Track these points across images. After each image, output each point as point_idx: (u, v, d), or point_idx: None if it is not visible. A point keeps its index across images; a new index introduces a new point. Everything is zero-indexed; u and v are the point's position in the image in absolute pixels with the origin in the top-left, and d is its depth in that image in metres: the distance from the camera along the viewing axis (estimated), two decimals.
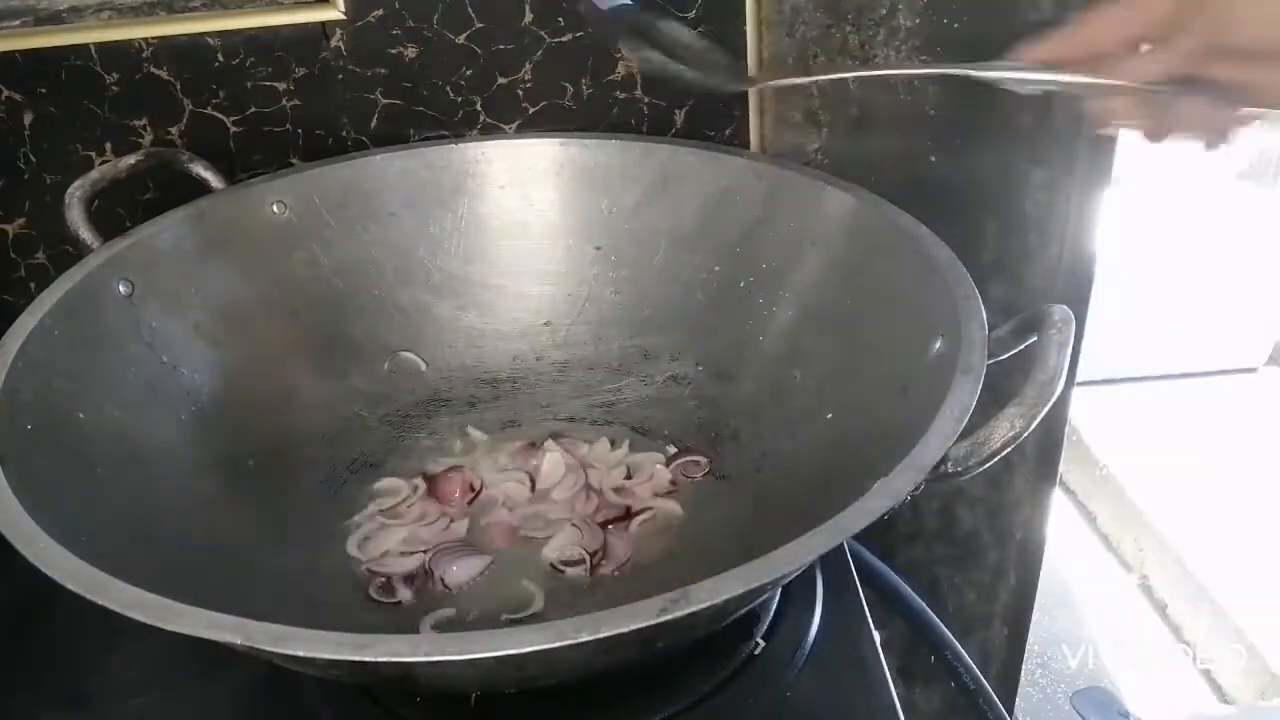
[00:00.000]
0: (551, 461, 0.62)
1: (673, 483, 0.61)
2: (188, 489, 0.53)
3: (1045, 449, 0.86)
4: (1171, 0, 0.42)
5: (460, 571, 0.55)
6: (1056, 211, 0.75)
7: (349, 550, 0.58)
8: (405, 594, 0.55)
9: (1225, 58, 0.42)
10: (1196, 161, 1.91)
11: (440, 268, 0.68)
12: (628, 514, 0.59)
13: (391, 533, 0.59)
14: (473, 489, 0.61)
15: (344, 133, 0.69)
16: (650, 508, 0.59)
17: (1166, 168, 1.89)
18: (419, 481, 0.62)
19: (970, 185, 0.73)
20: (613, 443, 0.64)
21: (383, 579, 0.55)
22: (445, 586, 0.55)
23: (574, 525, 0.58)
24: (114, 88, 0.66)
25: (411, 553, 0.57)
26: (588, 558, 0.56)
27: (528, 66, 0.68)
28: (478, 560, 0.56)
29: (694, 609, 0.33)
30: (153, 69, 0.66)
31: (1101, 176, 0.73)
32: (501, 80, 0.69)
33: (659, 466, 0.62)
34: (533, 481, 0.61)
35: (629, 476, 0.61)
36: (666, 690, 0.49)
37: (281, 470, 0.59)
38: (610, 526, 0.58)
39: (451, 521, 0.60)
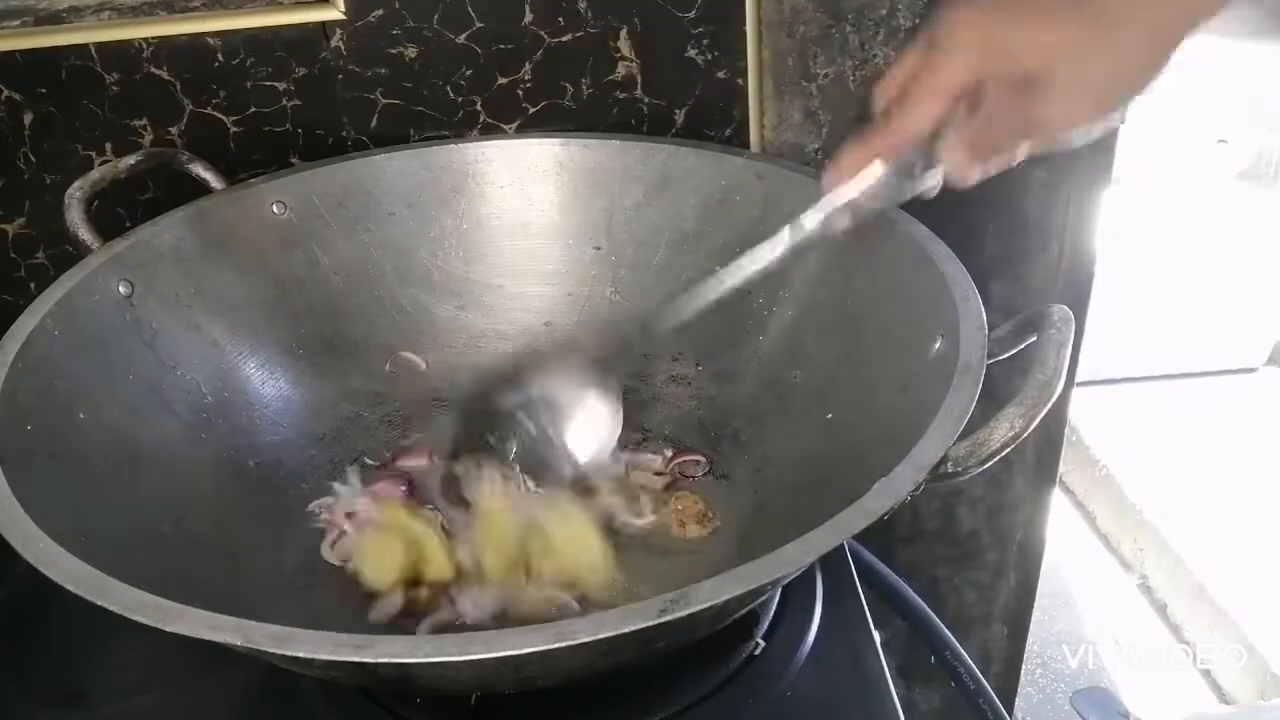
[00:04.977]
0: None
1: (667, 488, 0.60)
2: (188, 489, 0.53)
3: (1045, 449, 0.86)
4: (976, 59, 0.42)
5: (474, 610, 0.52)
6: (1056, 211, 0.75)
7: (324, 556, 0.56)
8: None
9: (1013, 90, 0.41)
10: (1196, 161, 1.91)
11: (440, 268, 0.68)
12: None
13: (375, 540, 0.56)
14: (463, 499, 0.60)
15: (344, 133, 0.69)
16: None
17: (1166, 168, 1.89)
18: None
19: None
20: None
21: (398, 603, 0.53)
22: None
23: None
24: (114, 88, 0.66)
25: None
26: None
27: (528, 66, 0.68)
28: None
29: (694, 609, 0.33)
30: (153, 69, 0.66)
31: (1101, 176, 0.73)
32: (501, 80, 0.68)
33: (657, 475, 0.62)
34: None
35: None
36: (666, 691, 0.49)
37: (282, 470, 0.59)
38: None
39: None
